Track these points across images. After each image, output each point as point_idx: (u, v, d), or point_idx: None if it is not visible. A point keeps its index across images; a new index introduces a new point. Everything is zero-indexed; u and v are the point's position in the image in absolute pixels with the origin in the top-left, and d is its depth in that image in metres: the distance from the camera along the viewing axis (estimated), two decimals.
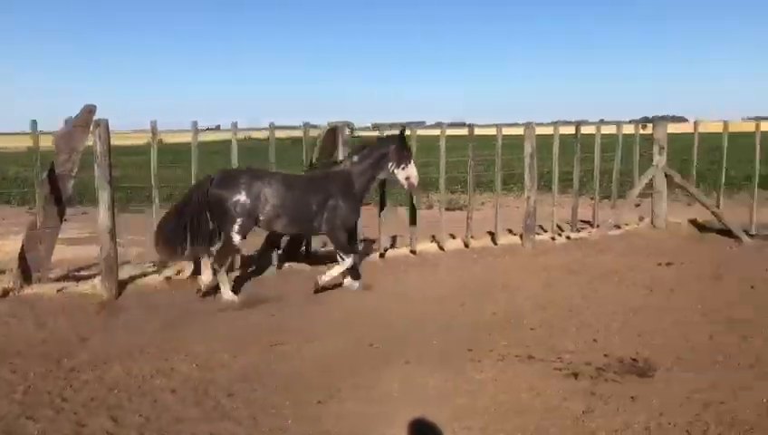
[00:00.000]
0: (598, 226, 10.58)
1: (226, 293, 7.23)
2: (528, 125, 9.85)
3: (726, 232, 10.19)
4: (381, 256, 9.18)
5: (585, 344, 5.79)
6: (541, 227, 10.66)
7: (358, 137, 9.05)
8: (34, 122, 7.06)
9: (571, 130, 10.55)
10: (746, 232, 10.00)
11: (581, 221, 10.83)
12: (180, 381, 5.05)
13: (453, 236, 10.18)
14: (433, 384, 4.93)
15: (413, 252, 9.32)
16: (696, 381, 4.92)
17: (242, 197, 7.16)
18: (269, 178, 7.41)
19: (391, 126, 9.01)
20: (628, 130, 10.86)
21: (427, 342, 5.89)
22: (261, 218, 7.33)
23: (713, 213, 10.45)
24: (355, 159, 7.71)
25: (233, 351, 5.72)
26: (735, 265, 8.61)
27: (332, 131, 8.65)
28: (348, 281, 7.66)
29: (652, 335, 6.00)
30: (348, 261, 7.47)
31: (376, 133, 8.79)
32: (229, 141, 8.45)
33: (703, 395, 4.65)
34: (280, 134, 8.85)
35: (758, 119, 10.59)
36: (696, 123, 10.85)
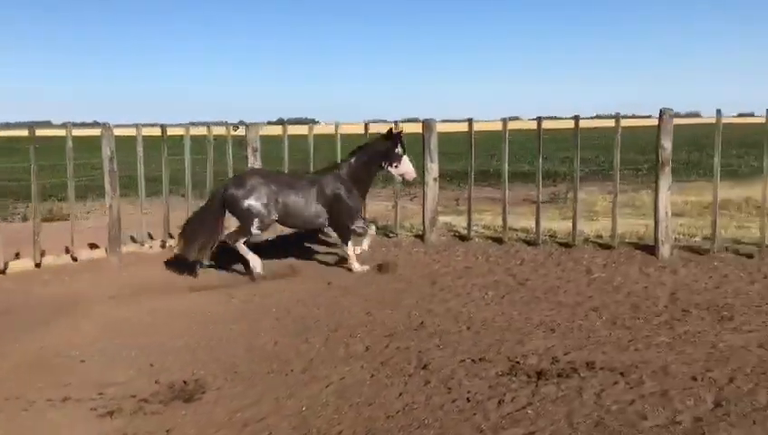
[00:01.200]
0: None
1: (253, 261, 8.15)
2: (105, 126, 8.94)
3: None
4: None
5: (139, 372, 5.19)
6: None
7: None
8: None
9: (156, 131, 9.88)
10: None
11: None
12: None
13: (17, 255, 8.68)
14: None
15: None
16: (245, 396, 4.69)
17: (252, 201, 8.06)
18: (277, 181, 8.28)
19: None
20: (219, 131, 10.57)
21: None
22: (273, 217, 8.22)
23: None
24: (352, 160, 8.45)
25: None
26: (316, 259, 8.89)
27: None
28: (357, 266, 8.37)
29: (216, 349, 5.69)
30: (350, 246, 8.36)
31: None
32: None
33: (245, 413, 4.42)
34: None
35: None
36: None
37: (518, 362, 5.14)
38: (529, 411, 4.30)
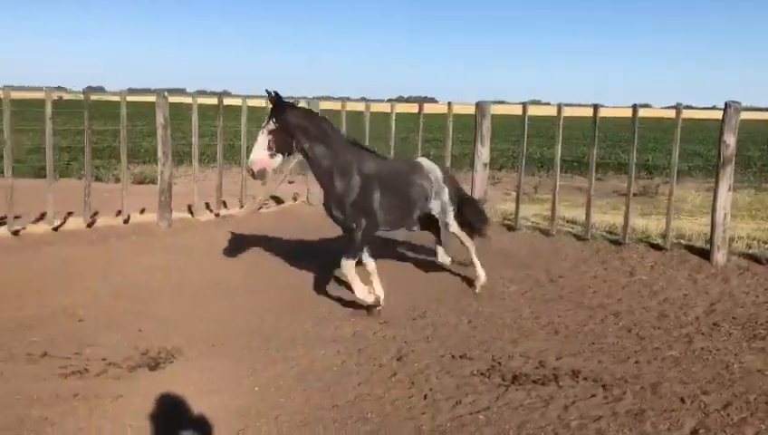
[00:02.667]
0: (254, 198, 10.30)
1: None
2: (160, 93, 9.20)
3: None
4: None
5: (124, 336, 5.30)
6: (207, 204, 10.07)
7: None
8: None
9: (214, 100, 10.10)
10: None
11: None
12: None
13: (70, 213, 9.08)
14: None
15: (15, 233, 8.17)
16: (208, 370, 4.70)
17: None
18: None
19: None
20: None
21: None
22: None
23: None
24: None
25: None
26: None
27: None
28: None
29: (211, 321, 5.72)
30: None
31: None
32: None
33: (200, 387, 4.38)
34: None
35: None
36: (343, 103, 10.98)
37: (499, 363, 4.83)
38: (481, 417, 4.02)
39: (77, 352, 4.92)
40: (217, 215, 9.99)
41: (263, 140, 5.52)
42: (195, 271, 7.25)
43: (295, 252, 8.19)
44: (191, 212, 9.85)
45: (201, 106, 10.14)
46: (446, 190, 6.45)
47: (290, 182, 12.01)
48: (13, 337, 5.18)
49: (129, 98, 9.49)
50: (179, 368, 4.73)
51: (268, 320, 5.75)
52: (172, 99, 9.48)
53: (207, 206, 10.08)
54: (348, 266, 5.66)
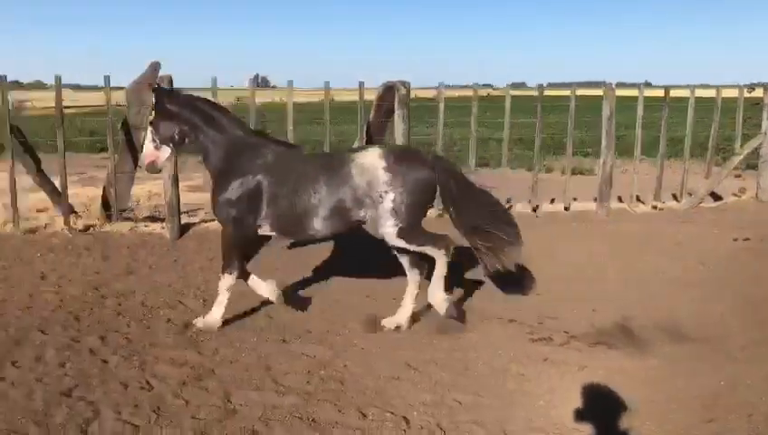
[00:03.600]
0: (689, 194, 9.90)
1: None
2: (607, 87, 9.40)
3: None
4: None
5: (579, 314, 5.66)
6: (637, 197, 10.07)
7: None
8: (107, 78, 7.96)
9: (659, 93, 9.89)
10: None
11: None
12: (181, 312, 5.64)
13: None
14: None
15: None
16: (666, 358, 4.73)
17: None
18: None
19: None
20: (729, 94, 9.93)
21: None
22: None
23: None
24: None
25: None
26: None
27: (390, 90, 8.76)
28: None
29: (664, 310, 5.71)
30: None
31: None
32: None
33: (661, 372, 4.47)
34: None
35: None
36: None
37: None
38: None
39: (539, 322, 5.46)
40: (655, 207, 9.85)
41: (149, 131, 5.24)
42: (635, 259, 7.31)
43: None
44: (624, 202, 9.89)
45: (625, 98, 10.08)
46: (390, 196, 4.89)
47: (736, 176, 11.14)
48: (483, 301, 5.96)
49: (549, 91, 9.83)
50: (635, 352, 4.85)
51: (725, 316, 5.49)
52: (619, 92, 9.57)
53: (638, 198, 9.95)
54: (224, 283, 5.19)
